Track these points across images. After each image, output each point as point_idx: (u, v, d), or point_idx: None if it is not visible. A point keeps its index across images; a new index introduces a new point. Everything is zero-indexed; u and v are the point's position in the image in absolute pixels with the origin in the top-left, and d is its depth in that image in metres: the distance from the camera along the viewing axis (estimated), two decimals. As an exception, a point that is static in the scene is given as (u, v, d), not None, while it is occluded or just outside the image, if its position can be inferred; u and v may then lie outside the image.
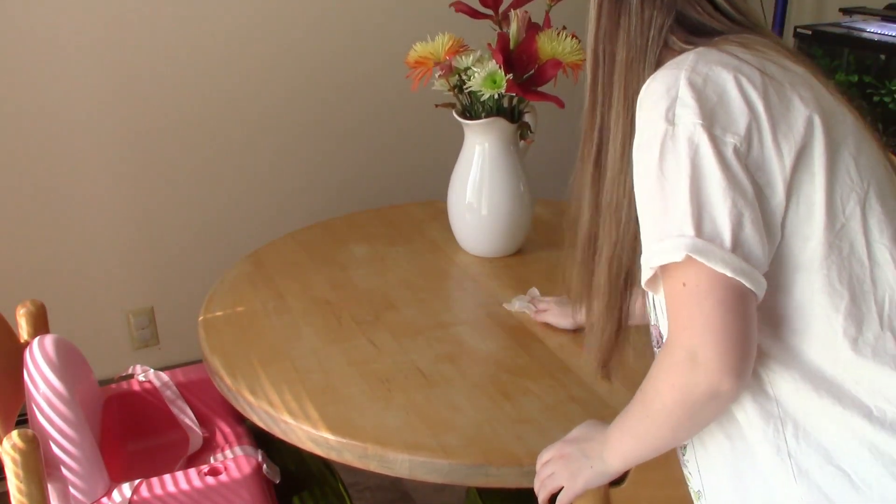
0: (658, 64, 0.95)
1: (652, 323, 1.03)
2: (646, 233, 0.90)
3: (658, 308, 0.99)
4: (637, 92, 0.95)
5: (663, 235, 0.86)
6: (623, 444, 0.99)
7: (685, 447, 1.01)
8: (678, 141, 0.86)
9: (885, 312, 0.88)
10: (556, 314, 1.50)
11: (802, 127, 0.88)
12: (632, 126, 0.94)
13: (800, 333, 0.89)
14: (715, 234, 0.84)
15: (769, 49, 0.94)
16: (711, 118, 0.86)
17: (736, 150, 0.86)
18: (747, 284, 0.84)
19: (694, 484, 1.01)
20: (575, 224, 1.06)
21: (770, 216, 0.87)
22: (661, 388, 0.90)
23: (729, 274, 0.83)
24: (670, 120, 0.87)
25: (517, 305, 1.56)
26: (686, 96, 0.87)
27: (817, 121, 0.89)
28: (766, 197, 0.87)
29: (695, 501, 1.02)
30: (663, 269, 0.88)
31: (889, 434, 0.86)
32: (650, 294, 1.00)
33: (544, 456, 1.09)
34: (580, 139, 1.03)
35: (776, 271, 0.89)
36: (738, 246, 0.84)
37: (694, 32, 0.96)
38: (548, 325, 1.49)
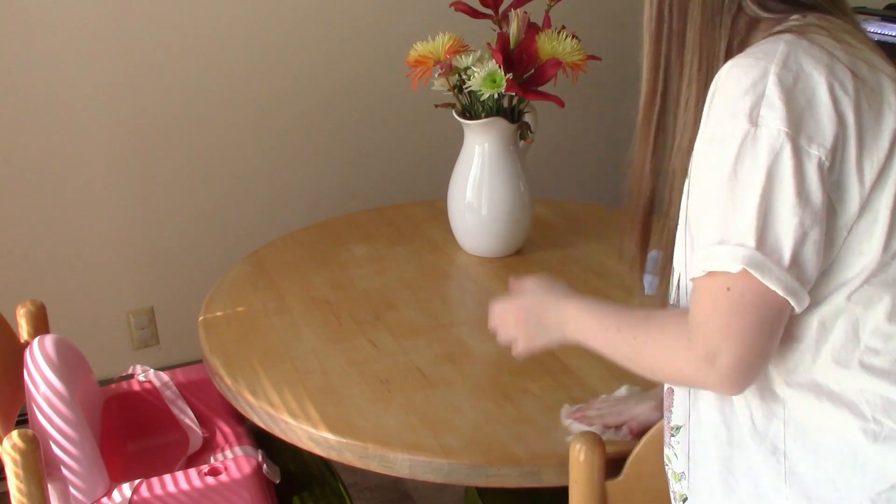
0: (734, 27, 0.89)
1: (671, 303, 1.00)
2: (704, 229, 0.86)
3: (682, 290, 0.96)
4: (713, 55, 0.89)
5: (724, 240, 0.83)
6: (587, 337, 0.99)
7: (679, 428, 1.00)
8: (759, 146, 0.81)
9: None
10: (610, 414, 1.21)
11: (888, 141, 0.84)
12: (706, 91, 0.88)
13: (822, 341, 0.88)
14: (775, 248, 0.81)
15: (856, 41, 0.88)
16: (798, 126, 0.81)
17: (819, 164, 0.81)
18: (792, 303, 0.82)
19: (678, 466, 1.00)
20: (635, 193, 1.01)
21: (835, 233, 0.84)
22: (663, 359, 0.90)
23: (780, 293, 0.81)
24: (754, 120, 0.81)
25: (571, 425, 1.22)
26: (774, 96, 0.81)
27: None
28: (836, 213, 0.84)
29: (674, 482, 1.01)
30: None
31: (880, 447, 0.86)
32: (677, 274, 0.98)
33: (496, 308, 1.12)
34: (639, 105, 0.97)
35: (817, 283, 0.86)
36: (794, 265, 0.81)
37: None
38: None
